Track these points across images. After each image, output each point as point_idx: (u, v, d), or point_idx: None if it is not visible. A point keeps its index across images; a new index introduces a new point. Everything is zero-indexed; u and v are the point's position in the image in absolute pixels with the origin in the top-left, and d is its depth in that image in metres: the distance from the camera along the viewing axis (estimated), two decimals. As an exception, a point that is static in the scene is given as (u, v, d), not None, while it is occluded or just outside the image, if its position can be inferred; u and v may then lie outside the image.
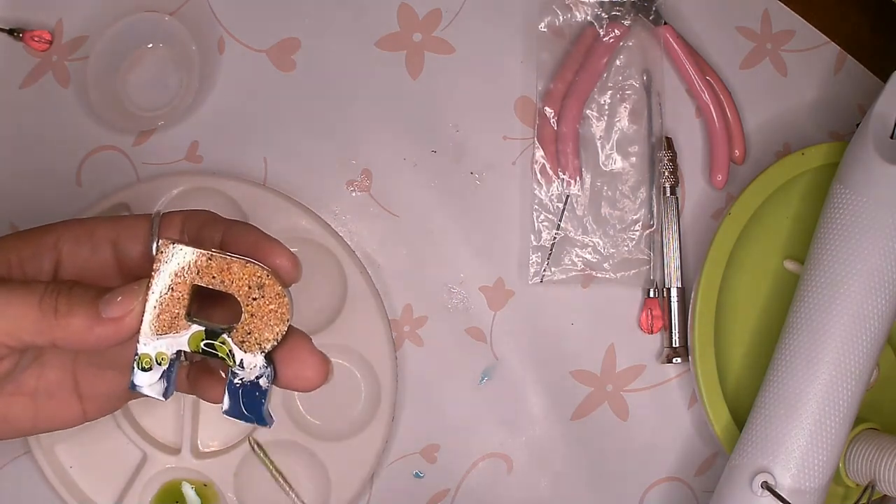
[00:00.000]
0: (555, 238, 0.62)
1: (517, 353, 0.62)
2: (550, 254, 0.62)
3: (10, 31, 0.61)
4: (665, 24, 0.63)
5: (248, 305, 0.36)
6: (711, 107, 0.63)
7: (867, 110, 0.56)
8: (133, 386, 0.37)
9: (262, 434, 0.59)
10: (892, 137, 0.54)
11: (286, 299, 0.37)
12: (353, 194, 0.63)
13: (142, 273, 0.41)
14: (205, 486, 0.59)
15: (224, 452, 0.59)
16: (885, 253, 0.52)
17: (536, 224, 0.62)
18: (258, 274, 0.36)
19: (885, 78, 0.56)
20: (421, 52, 0.64)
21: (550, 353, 0.62)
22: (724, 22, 0.65)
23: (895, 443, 0.54)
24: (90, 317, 0.36)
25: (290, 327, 0.37)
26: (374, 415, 0.60)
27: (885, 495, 0.57)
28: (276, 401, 0.59)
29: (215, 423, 0.60)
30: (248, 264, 0.36)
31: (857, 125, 0.56)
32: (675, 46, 0.63)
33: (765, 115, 0.65)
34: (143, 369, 0.37)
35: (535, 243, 0.62)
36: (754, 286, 0.61)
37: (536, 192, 0.63)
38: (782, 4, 0.65)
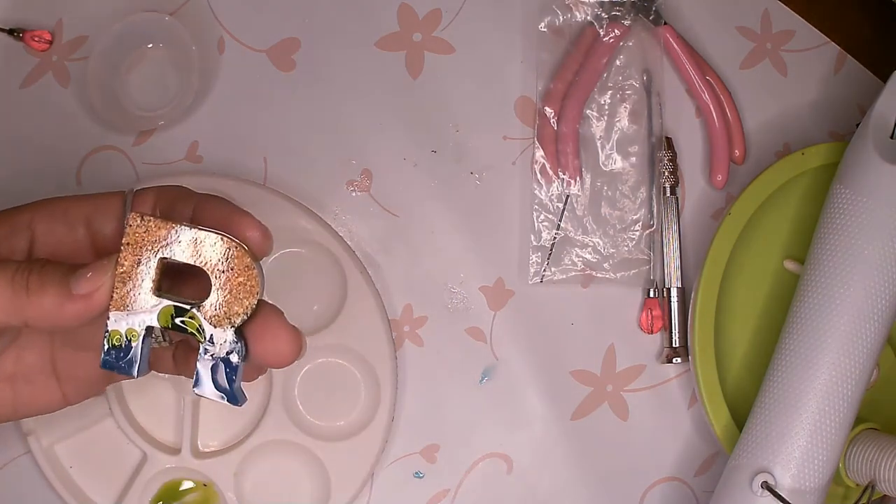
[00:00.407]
0: (555, 238, 0.62)
1: (517, 353, 0.62)
2: (550, 254, 0.62)
3: (10, 31, 0.61)
4: (665, 24, 0.63)
5: (217, 279, 0.36)
6: (711, 107, 0.63)
7: (867, 110, 0.56)
8: (104, 364, 0.37)
9: (262, 434, 0.59)
10: (892, 137, 0.54)
11: (255, 272, 0.36)
12: (353, 194, 0.63)
13: (115, 250, 0.41)
14: (205, 486, 0.59)
15: (224, 452, 0.59)
16: (885, 253, 0.52)
17: (536, 224, 0.62)
18: (227, 245, 0.36)
19: (885, 78, 0.56)
20: (421, 52, 0.64)
21: (550, 353, 0.62)
22: (724, 22, 0.65)
23: (895, 443, 0.54)
24: (61, 294, 0.36)
25: (260, 301, 0.36)
26: (374, 415, 0.60)
27: (885, 495, 0.57)
28: (277, 401, 0.59)
29: (215, 423, 0.60)
30: (217, 237, 0.36)
31: (857, 125, 0.56)
32: (675, 46, 0.63)
33: (765, 115, 0.65)
34: (114, 346, 0.37)
35: (535, 243, 0.62)
36: (754, 286, 0.61)
37: (536, 192, 0.63)
38: (782, 4, 0.65)
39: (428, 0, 0.64)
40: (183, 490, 0.59)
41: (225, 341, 0.36)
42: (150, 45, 0.62)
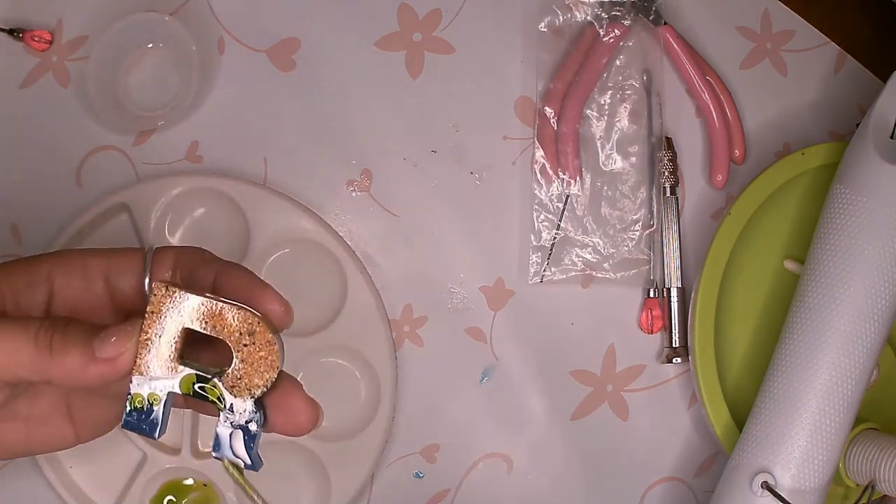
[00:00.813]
0: (555, 238, 0.62)
1: (517, 353, 0.62)
2: (550, 254, 0.62)
3: (10, 31, 0.61)
4: (665, 24, 0.63)
5: (238, 351, 0.37)
6: (711, 107, 0.63)
7: (867, 110, 0.56)
8: (126, 424, 0.38)
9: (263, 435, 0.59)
10: (892, 137, 0.54)
11: (276, 346, 0.37)
12: (353, 194, 0.63)
13: (134, 307, 0.41)
14: (205, 485, 0.59)
15: (224, 452, 0.59)
16: (885, 253, 0.52)
17: (536, 224, 0.62)
18: (249, 320, 0.37)
19: (885, 78, 0.56)
20: (421, 52, 0.64)
21: (550, 353, 0.62)
22: (724, 22, 0.65)
23: (895, 443, 0.54)
24: (84, 355, 0.37)
25: (281, 373, 0.37)
26: (374, 415, 0.60)
27: (885, 495, 0.57)
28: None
29: (215, 423, 0.59)
30: (239, 310, 0.37)
31: (857, 125, 0.56)
32: (675, 46, 0.63)
33: (765, 115, 0.65)
34: (136, 408, 0.37)
35: (535, 243, 0.62)
36: (754, 286, 0.61)
37: (536, 192, 0.63)
38: (782, 4, 0.65)
39: (428, 0, 0.64)
40: (186, 485, 0.59)
41: (244, 410, 0.37)
42: (150, 45, 0.62)
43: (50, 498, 0.59)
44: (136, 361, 0.37)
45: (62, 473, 0.58)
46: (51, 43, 0.62)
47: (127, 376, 0.37)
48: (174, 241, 0.61)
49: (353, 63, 0.63)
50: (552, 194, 0.63)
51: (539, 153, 0.63)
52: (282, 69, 0.63)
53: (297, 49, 0.63)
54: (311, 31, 0.63)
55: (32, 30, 0.61)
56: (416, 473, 0.62)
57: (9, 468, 0.59)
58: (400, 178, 0.63)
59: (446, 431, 0.62)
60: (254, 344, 0.37)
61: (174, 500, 0.59)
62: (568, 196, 0.63)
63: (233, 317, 0.37)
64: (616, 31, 0.62)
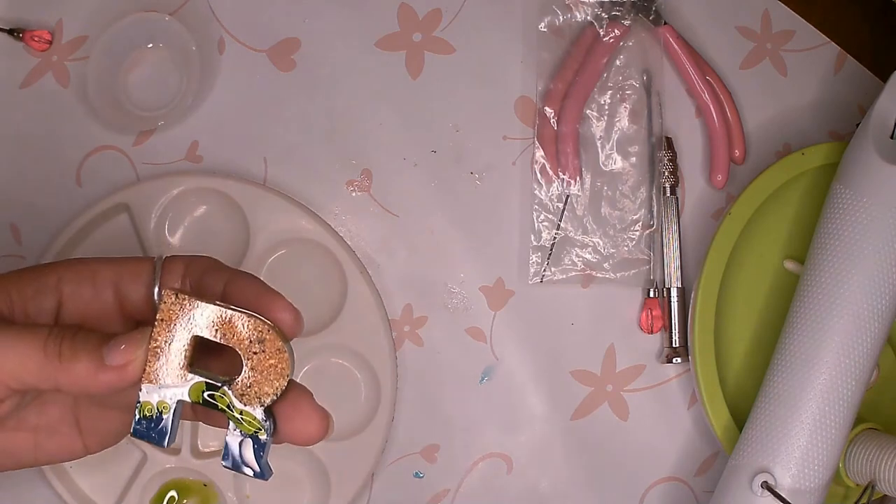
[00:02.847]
0: (555, 238, 0.62)
1: (517, 353, 0.62)
2: (550, 254, 0.62)
3: (10, 31, 0.61)
4: (665, 24, 0.63)
5: (248, 359, 0.37)
6: (711, 107, 0.63)
7: (867, 110, 0.56)
8: (135, 433, 0.38)
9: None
10: (892, 137, 0.54)
11: (286, 354, 0.37)
12: (353, 194, 0.63)
13: (143, 317, 0.41)
14: (205, 485, 0.59)
15: (224, 452, 0.59)
16: (885, 253, 0.52)
17: (536, 224, 0.62)
18: (259, 328, 0.37)
19: (885, 78, 0.56)
20: (421, 52, 0.64)
21: (550, 353, 0.62)
22: (724, 22, 0.65)
23: (895, 443, 0.54)
24: (94, 363, 0.37)
25: (291, 381, 0.37)
26: (374, 415, 0.60)
27: (885, 495, 0.57)
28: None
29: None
30: (249, 318, 0.37)
31: (857, 125, 0.56)
32: (675, 46, 0.63)
33: (765, 115, 0.65)
34: (145, 417, 0.37)
35: (535, 243, 0.62)
36: (754, 286, 0.61)
37: (536, 192, 0.63)
38: (782, 4, 0.65)
39: (428, 0, 0.64)
40: (186, 485, 0.59)
41: (254, 419, 0.37)
42: (150, 45, 0.62)
43: (50, 498, 0.59)
44: (145, 369, 0.37)
45: (62, 473, 0.58)
46: (51, 43, 0.62)
47: (136, 384, 0.37)
48: (174, 240, 0.61)
49: (353, 63, 0.63)
50: (552, 194, 0.63)
51: (539, 153, 0.63)
52: (282, 69, 0.63)
53: (297, 49, 0.63)
54: (311, 31, 0.63)
55: (32, 30, 0.61)
56: (416, 473, 0.62)
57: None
58: (400, 178, 0.63)
59: (446, 431, 0.62)
60: (264, 352, 0.37)
61: (175, 497, 0.59)
62: (568, 196, 0.63)
63: (243, 325, 0.37)
64: (616, 31, 0.62)
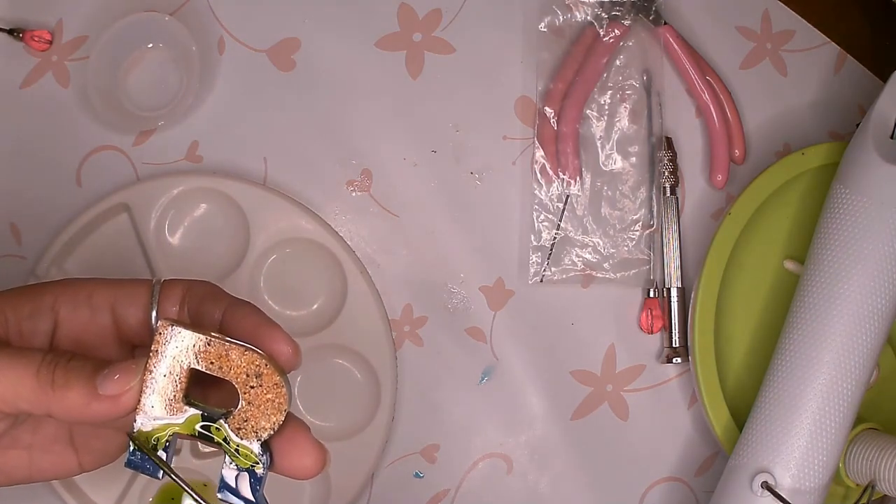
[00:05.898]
0: (555, 238, 0.62)
1: (517, 353, 0.62)
2: (550, 254, 0.62)
3: (10, 31, 0.61)
4: (665, 24, 0.63)
5: (245, 393, 0.36)
6: (711, 107, 0.63)
7: (867, 110, 0.56)
8: (129, 464, 0.37)
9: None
10: (892, 137, 0.54)
11: (284, 389, 0.36)
12: (353, 194, 0.63)
13: (140, 340, 0.41)
14: (205, 485, 0.59)
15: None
16: (885, 253, 0.52)
17: (536, 224, 0.62)
18: (257, 362, 0.36)
19: (885, 78, 0.56)
20: (421, 52, 0.64)
21: (550, 353, 0.62)
22: (724, 22, 0.65)
23: (895, 443, 0.54)
24: (87, 392, 0.36)
25: (288, 414, 0.37)
26: (374, 415, 0.60)
27: (885, 495, 0.57)
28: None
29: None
30: (246, 352, 0.36)
31: (857, 125, 0.56)
32: (675, 46, 0.63)
33: (765, 115, 0.65)
34: (139, 448, 0.37)
35: (535, 243, 0.62)
36: (754, 286, 0.61)
37: (536, 192, 0.63)
38: (782, 4, 0.65)
39: (428, 0, 0.64)
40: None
41: (251, 452, 0.37)
42: (150, 45, 0.62)
43: (50, 498, 0.59)
44: (139, 400, 0.36)
45: (62, 473, 0.58)
46: (51, 43, 0.62)
47: (130, 414, 0.36)
48: (174, 240, 0.61)
49: (353, 63, 0.63)
50: (552, 194, 0.63)
51: (539, 153, 0.63)
52: (282, 69, 0.63)
53: (297, 49, 0.63)
54: (311, 31, 0.63)
55: (32, 30, 0.61)
56: (416, 473, 0.62)
57: (9, 468, 0.60)
58: (400, 178, 0.63)
59: (446, 431, 0.62)
60: (261, 386, 0.36)
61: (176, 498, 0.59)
62: (568, 196, 0.63)
63: (239, 358, 0.36)
64: (616, 31, 0.62)
